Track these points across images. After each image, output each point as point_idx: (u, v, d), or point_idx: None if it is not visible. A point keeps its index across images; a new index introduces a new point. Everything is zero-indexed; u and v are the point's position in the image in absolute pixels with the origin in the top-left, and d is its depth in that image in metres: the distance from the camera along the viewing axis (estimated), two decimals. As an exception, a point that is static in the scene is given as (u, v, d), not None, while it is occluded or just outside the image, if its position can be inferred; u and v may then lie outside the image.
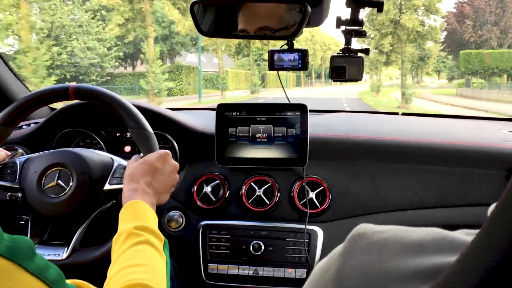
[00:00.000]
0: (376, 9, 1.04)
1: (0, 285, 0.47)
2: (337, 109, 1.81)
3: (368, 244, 0.34)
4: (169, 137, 1.42)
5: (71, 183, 1.06)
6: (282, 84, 1.44)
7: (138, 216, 0.88)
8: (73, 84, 1.12)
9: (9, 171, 1.09)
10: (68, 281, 0.62)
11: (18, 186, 1.08)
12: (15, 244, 0.50)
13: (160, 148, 1.10)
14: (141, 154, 1.06)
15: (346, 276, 0.33)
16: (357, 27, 1.08)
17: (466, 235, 0.32)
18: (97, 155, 1.13)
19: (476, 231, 0.33)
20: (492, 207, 0.35)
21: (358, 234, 0.36)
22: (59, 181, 1.06)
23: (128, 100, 1.14)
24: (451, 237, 0.32)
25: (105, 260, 1.01)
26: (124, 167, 1.09)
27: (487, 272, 0.21)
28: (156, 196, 0.97)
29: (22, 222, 1.28)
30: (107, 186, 1.08)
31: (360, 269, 0.33)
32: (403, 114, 1.88)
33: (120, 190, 1.06)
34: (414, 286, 0.29)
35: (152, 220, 0.90)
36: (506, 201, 0.23)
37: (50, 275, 0.53)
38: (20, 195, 1.08)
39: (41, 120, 1.49)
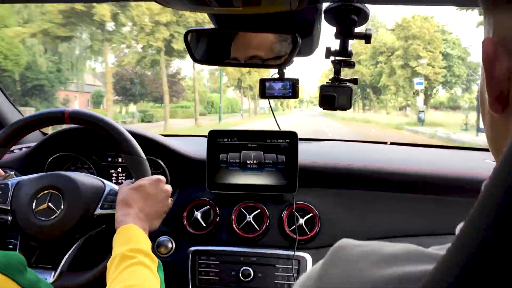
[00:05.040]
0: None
1: None
2: (327, 138, 1.84)
3: (347, 256, 0.36)
4: (161, 162, 1.43)
5: (62, 206, 1.06)
6: (273, 113, 1.47)
7: (131, 239, 0.88)
8: (69, 108, 1.14)
9: (0, 192, 1.09)
10: None
11: (9, 208, 1.07)
12: (6, 259, 0.51)
13: (152, 173, 1.11)
14: (133, 180, 1.07)
15: (325, 285, 0.35)
16: (345, 58, 1.12)
17: (435, 250, 0.35)
18: (89, 179, 1.13)
19: (445, 246, 0.36)
20: (460, 226, 0.37)
21: (339, 246, 0.38)
22: (50, 204, 1.06)
23: (121, 125, 1.15)
24: (421, 250, 0.35)
25: (94, 285, 1.01)
26: (116, 192, 1.09)
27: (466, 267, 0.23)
28: (148, 222, 0.98)
29: (11, 246, 1.27)
30: (97, 211, 1.08)
31: (338, 279, 0.35)
32: (392, 143, 1.91)
33: (111, 215, 1.06)
34: None
35: (145, 243, 0.90)
36: (480, 207, 0.24)
37: None
38: (10, 218, 1.08)
39: (33, 144, 1.49)
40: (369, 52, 40.38)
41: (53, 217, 1.05)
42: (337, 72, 1.15)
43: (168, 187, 1.08)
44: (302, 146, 1.37)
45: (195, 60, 1.12)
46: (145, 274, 0.82)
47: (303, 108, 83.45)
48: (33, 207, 1.06)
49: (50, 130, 1.71)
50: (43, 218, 1.05)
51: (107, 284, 0.81)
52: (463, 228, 0.26)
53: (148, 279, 0.82)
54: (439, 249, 0.35)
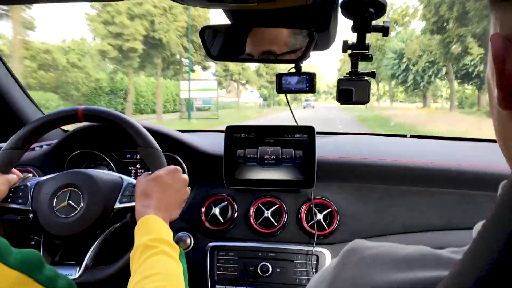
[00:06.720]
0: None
1: None
2: (345, 131, 1.83)
3: (359, 259, 0.36)
4: (179, 158, 1.43)
5: (81, 203, 1.08)
6: (290, 107, 1.46)
7: (152, 229, 0.90)
8: (82, 106, 1.15)
9: (20, 194, 1.11)
10: None
11: (30, 209, 1.09)
12: (23, 257, 0.52)
13: None
14: (150, 172, 1.08)
15: None
16: (363, 51, 1.11)
17: (452, 253, 0.34)
18: (106, 175, 1.15)
19: (462, 249, 0.35)
20: (477, 226, 0.36)
21: (352, 249, 0.38)
22: (70, 202, 1.08)
23: (136, 120, 1.16)
24: (437, 254, 0.34)
25: (119, 277, 1.03)
26: (134, 185, 1.11)
27: (480, 279, 0.22)
28: (167, 212, 0.99)
29: (33, 243, 1.30)
30: (117, 205, 1.10)
31: (350, 282, 0.34)
32: (411, 136, 1.88)
33: (130, 208, 1.09)
34: None
35: (166, 233, 0.92)
36: (497, 214, 0.24)
37: (60, 284, 0.54)
38: (31, 216, 1.10)
39: (54, 141, 1.52)
40: None
41: (73, 214, 1.07)
42: (354, 65, 1.14)
43: (185, 176, 1.09)
44: (320, 140, 1.36)
45: (211, 56, 1.12)
46: (167, 262, 0.83)
47: (311, 101, 46.43)
48: (54, 205, 1.08)
49: (71, 127, 1.74)
50: (64, 216, 1.07)
51: (131, 274, 0.83)
52: (478, 236, 0.25)
53: (171, 267, 0.83)
54: (455, 252, 0.35)
